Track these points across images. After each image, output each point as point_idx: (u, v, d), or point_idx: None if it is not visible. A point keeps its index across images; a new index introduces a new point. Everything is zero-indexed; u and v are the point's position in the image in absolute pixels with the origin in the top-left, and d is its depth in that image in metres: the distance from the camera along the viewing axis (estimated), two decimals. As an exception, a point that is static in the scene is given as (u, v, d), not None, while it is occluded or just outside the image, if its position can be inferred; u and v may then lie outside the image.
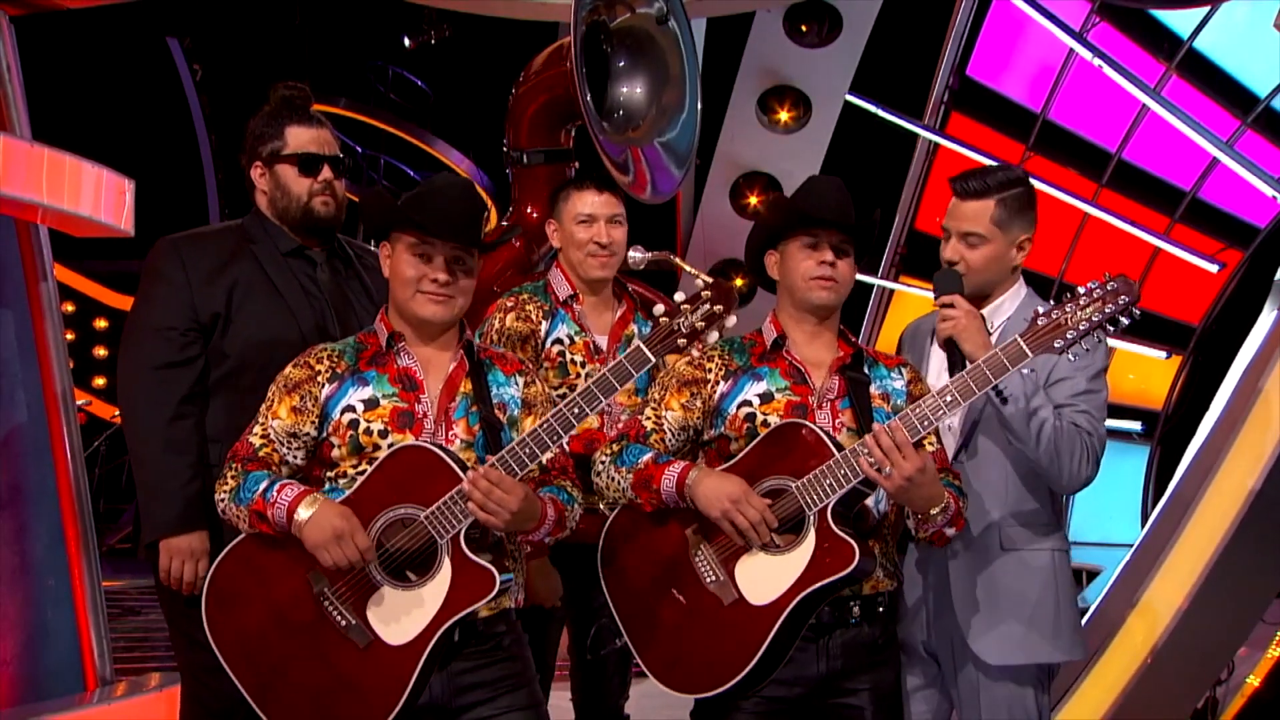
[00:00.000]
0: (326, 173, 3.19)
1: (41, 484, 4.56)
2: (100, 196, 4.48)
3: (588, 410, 2.57)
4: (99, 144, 5.25)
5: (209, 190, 13.37)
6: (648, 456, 2.81)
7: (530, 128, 4.20)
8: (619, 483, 2.82)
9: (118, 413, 10.33)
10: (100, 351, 13.93)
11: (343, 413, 2.66)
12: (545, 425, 2.57)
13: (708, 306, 2.56)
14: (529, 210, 4.15)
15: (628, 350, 2.58)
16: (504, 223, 4.32)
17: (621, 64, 4.27)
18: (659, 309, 2.60)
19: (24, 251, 4.61)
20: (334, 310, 3.16)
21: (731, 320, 2.70)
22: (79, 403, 5.39)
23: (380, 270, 3.28)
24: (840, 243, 2.83)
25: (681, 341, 2.57)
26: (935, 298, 2.87)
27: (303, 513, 2.56)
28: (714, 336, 2.78)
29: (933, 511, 2.69)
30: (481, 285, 4.00)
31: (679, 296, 2.59)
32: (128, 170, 4.62)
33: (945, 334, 2.79)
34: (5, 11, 4.67)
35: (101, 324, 14.00)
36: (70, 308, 13.26)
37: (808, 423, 2.74)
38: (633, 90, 4.27)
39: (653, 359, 2.57)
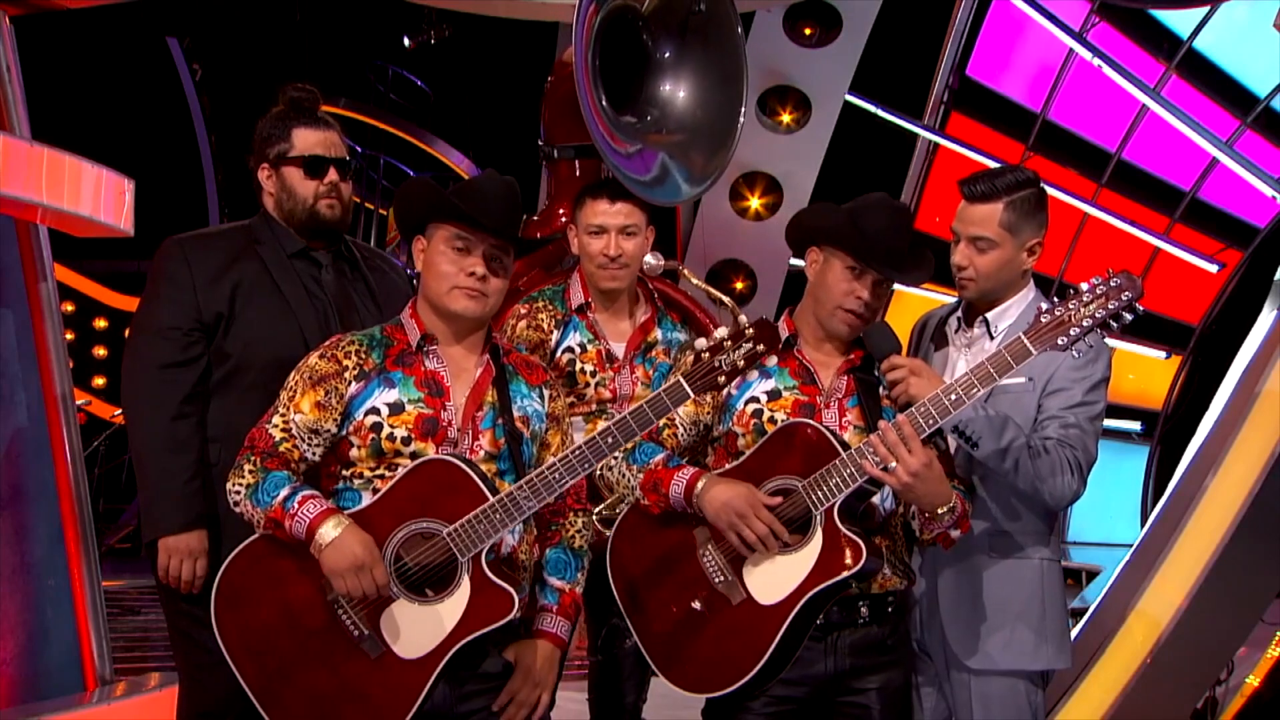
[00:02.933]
0: (332, 175, 3.18)
1: (41, 484, 4.55)
2: (100, 196, 4.48)
3: (622, 442, 2.57)
4: (99, 144, 5.24)
5: (209, 190, 13.36)
6: (659, 457, 2.82)
7: (560, 122, 4.12)
8: (629, 480, 2.84)
9: (118, 412, 10.37)
10: (100, 351, 13.93)
11: (366, 414, 2.63)
12: (577, 453, 2.55)
13: (750, 345, 2.54)
14: (559, 210, 4.09)
15: (666, 385, 2.58)
16: (533, 218, 4.25)
17: (666, 55, 4.10)
18: (700, 343, 2.58)
19: (24, 251, 4.60)
20: (338, 312, 3.15)
21: (772, 361, 2.70)
22: (79, 403, 5.39)
23: (385, 270, 3.26)
24: (884, 278, 2.84)
25: (722, 379, 2.55)
26: (877, 360, 2.83)
27: (326, 533, 2.51)
28: (754, 375, 2.80)
29: (940, 511, 2.68)
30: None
31: (721, 331, 2.57)
32: (128, 170, 4.62)
33: (902, 400, 2.75)
34: (5, 11, 4.67)
35: (101, 324, 14.00)
36: (70, 308, 13.25)
37: (813, 422, 2.75)
38: (676, 91, 4.11)
39: (692, 395, 2.57)
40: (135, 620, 8.36)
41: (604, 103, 3.90)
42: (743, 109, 4.10)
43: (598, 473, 3.38)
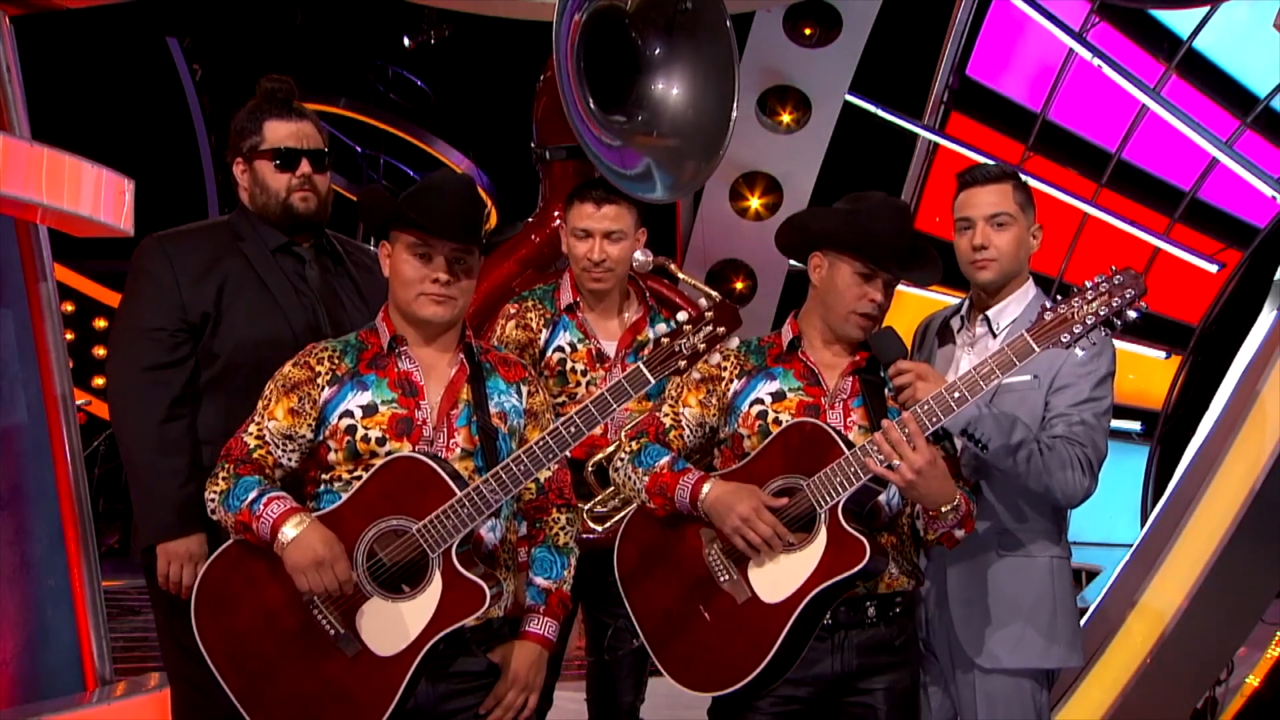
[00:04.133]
0: (304, 167, 3.10)
1: (41, 484, 4.55)
2: (100, 196, 4.48)
3: (584, 430, 2.57)
4: (99, 144, 5.24)
5: (209, 190, 13.36)
6: (664, 460, 2.82)
7: (550, 123, 4.11)
8: (635, 483, 2.84)
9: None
10: (100, 351, 13.90)
11: (340, 418, 2.64)
12: (540, 443, 2.56)
13: (710, 328, 2.55)
14: (554, 212, 4.08)
15: (628, 371, 2.58)
16: (529, 220, 4.25)
17: (655, 53, 4.10)
18: (660, 328, 2.59)
19: (24, 251, 4.60)
20: (325, 308, 3.09)
21: (734, 342, 2.70)
22: (79, 403, 5.39)
23: (370, 267, 3.19)
24: (893, 279, 2.84)
25: (682, 363, 2.56)
26: (883, 365, 2.82)
27: (287, 532, 2.53)
28: (716, 359, 2.81)
29: (944, 509, 2.69)
30: (501, 283, 3.98)
31: (681, 316, 2.57)
32: (128, 170, 4.62)
33: (910, 405, 2.74)
34: (5, 11, 4.67)
35: (101, 324, 13.97)
36: (70, 308, 13.25)
37: (819, 421, 2.76)
38: (667, 91, 4.09)
39: (652, 380, 2.57)
40: (135, 620, 8.36)
41: (591, 104, 3.89)
42: (734, 109, 4.10)
43: (589, 469, 3.39)
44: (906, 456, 2.62)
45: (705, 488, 2.75)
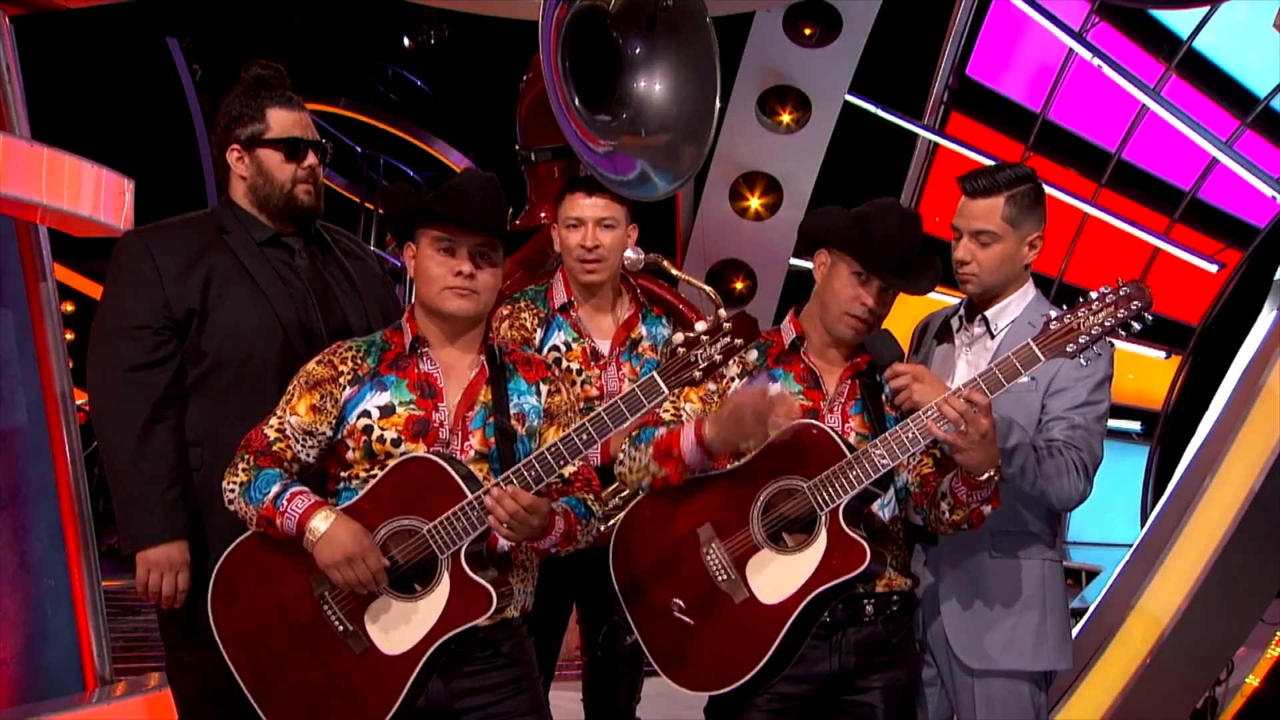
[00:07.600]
0: (311, 159, 3.02)
1: (41, 484, 4.56)
2: (100, 196, 4.49)
3: (597, 438, 2.57)
4: (99, 144, 5.24)
5: (209, 190, 13.34)
6: (663, 429, 2.82)
7: (536, 124, 4.12)
8: (640, 460, 2.81)
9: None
10: (100, 351, 13.90)
11: (359, 418, 2.66)
12: (552, 449, 2.56)
13: (727, 339, 2.54)
14: (541, 212, 4.09)
15: (642, 380, 2.57)
16: (515, 222, 4.26)
17: (637, 52, 4.10)
18: (677, 338, 2.56)
19: (24, 251, 4.61)
20: (316, 299, 3.01)
21: (752, 355, 2.69)
22: (79, 403, 5.39)
23: (359, 254, 3.18)
24: (889, 285, 2.83)
25: (697, 374, 2.55)
26: (880, 368, 2.82)
27: (317, 526, 2.55)
28: (732, 370, 2.80)
29: (986, 475, 2.63)
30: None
31: (700, 326, 2.56)
32: (128, 170, 4.62)
33: (906, 407, 2.74)
34: (5, 11, 4.67)
35: (101, 324, 13.97)
36: (70, 308, 13.24)
37: (820, 424, 2.76)
38: (650, 88, 4.10)
39: (666, 391, 2.56)
40: (136, 620, 8.35)
41: (576, 102, 3.89)
42: (717, 101, 4.11)
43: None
44: (975, 422, 2.58)
45: (708, 424, 2.72)
